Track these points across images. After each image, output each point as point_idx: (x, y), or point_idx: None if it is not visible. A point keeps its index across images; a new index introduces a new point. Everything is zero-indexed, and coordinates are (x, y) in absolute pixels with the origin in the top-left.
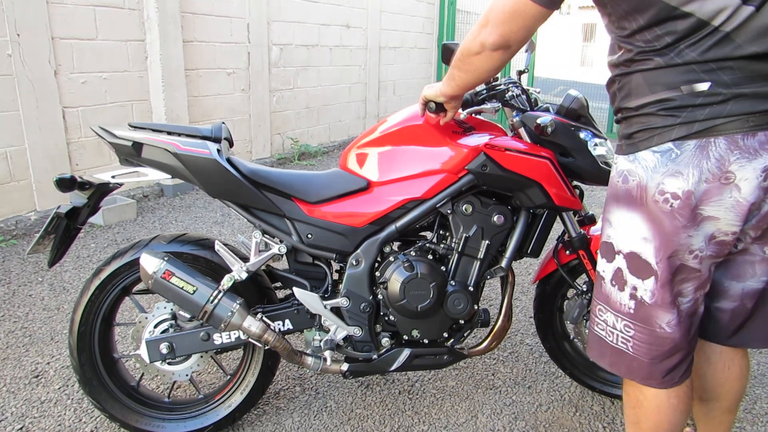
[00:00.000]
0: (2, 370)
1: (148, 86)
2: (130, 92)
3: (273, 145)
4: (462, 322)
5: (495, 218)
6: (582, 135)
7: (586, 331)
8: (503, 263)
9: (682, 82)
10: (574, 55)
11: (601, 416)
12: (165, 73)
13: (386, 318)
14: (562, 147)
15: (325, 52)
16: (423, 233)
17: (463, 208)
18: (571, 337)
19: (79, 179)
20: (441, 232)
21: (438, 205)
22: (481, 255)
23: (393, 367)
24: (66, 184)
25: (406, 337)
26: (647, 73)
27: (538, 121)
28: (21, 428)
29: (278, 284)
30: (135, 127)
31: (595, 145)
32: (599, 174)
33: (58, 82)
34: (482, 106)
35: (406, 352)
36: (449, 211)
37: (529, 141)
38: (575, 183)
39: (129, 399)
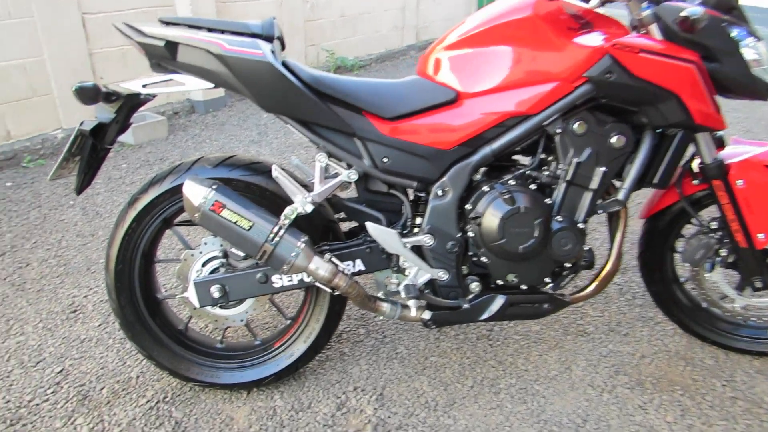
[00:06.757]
0: (38, 304)
1: None
2: None
3: (307, 58)
4: (567, 264)
5: (614, 139)
6: (734, 33)
7: (707, 274)
8: (620, 195)
9: None
10: None
11: (717, 372)
12: None
13: (476, 259)
14: (705, 48)
15: None
16: (514, 157)
17: (575, 126)
18: (682, 280)
19: (104, 89)
20: (543, 156)
21: (545, 123)
22: (594, 185)
23: (483, 317)
24: (88, 94)
25: (499, 282)
26: None
27: (684, 13)
28: (61, 371)
29: (341, 215)
30: (167, 23)
31: (747, 46)
32: (750, 84)
33: None
34: None
35: (500, 300)
36: (558, 131)
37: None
38: None
39: (177, 345)
